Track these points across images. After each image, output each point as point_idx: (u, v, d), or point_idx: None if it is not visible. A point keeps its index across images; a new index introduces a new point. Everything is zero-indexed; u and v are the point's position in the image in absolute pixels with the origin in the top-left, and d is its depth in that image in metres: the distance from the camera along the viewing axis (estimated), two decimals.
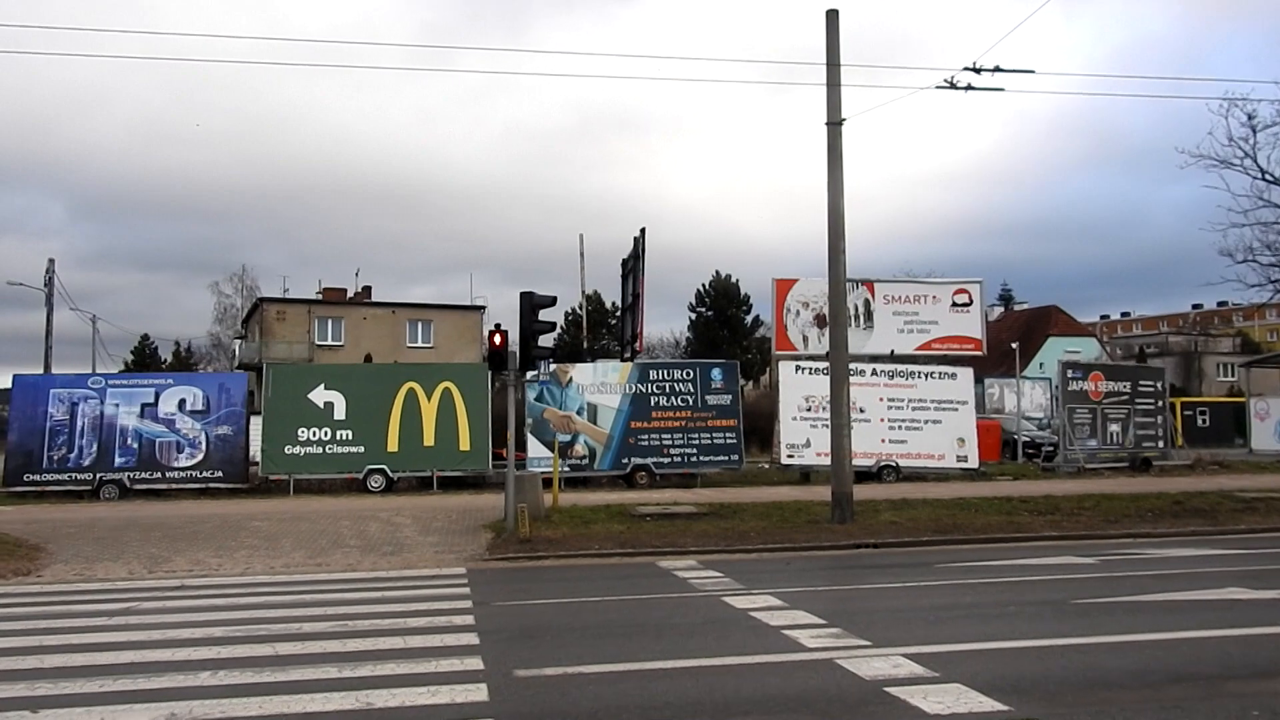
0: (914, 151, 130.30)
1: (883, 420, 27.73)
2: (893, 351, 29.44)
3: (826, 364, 20.58)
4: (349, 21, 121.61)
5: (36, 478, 24.64)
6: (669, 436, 26.65)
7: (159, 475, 25.10)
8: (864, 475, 24.90)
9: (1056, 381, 33.72)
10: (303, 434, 25.37)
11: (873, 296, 29.84)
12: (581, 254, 43.61)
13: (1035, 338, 63.23)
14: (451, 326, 52.85)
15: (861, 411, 25.80)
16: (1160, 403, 32.74)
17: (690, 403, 26.89)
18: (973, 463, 28.18)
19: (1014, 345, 44.32)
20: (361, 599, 10.94)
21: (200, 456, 25.35)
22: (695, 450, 26.75)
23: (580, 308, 48.86)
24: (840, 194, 17.49)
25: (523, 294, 16.55)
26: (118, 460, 24.96)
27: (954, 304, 30.12)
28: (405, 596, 11.06)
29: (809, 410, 27.17)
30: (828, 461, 18.41)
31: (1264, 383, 44.91)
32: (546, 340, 17.41)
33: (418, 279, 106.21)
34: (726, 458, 26.96)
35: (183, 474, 25.23)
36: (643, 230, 31.42)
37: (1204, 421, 46.32)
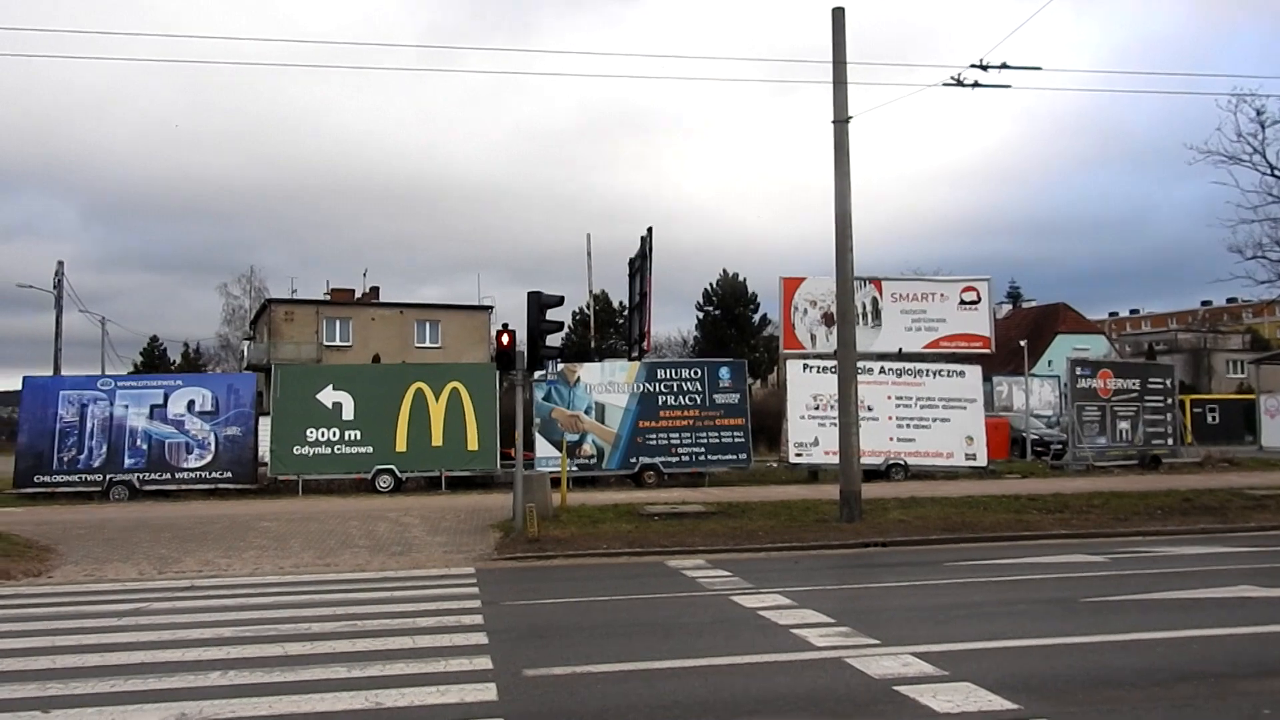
0: (921, 149, 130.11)
1: (891, 418, 27.69)
2: (900, 349, 29.38)
3: (834, 362, 20.54)
4: (356, 23, 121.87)
5: (46, 479, 24.74)
6: (677, 436, 26.64)
7: (168, 476, 25.18)
8: (872, 474, 24.86)
9: (1065, 379, 33.62)
10: (311, 434, 25.44)
11: (880, 294, 29.80)
12: (589, 254, 43.65)
13: (1044, 335, 63.04)
14: (459, 326, 52.93)
15: (869, 410, 25.76)
16: (1169, 400, 32.64)
17: (698, 402, 26.89)
18: (981, 461, 28.13)
19: (1022, 343, 44.15)
20: (370, 599, 10.96)
21: (209, 457, 25.42)
22: (703, 449, 26.74)
23: (588, 307, 48.85)
24: (847, 192, 17.47)
25: (530, 294, 16.57)
26: (127, 461, 25.04)
27: (962, 302, 30.06)
28: (414, 596, 11.08)
29: (817, 409, 27.15)
30: (836, 460, 18.39)
31: (1274, 379, 44.83)
32: (554, 340, 17.43)
33: (425, 279, 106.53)
34: (734, 457, 26.95)
35: (192, 475, 25.30)
36: (650, 230, 31.47)
37: (1213, 419, 46.17)
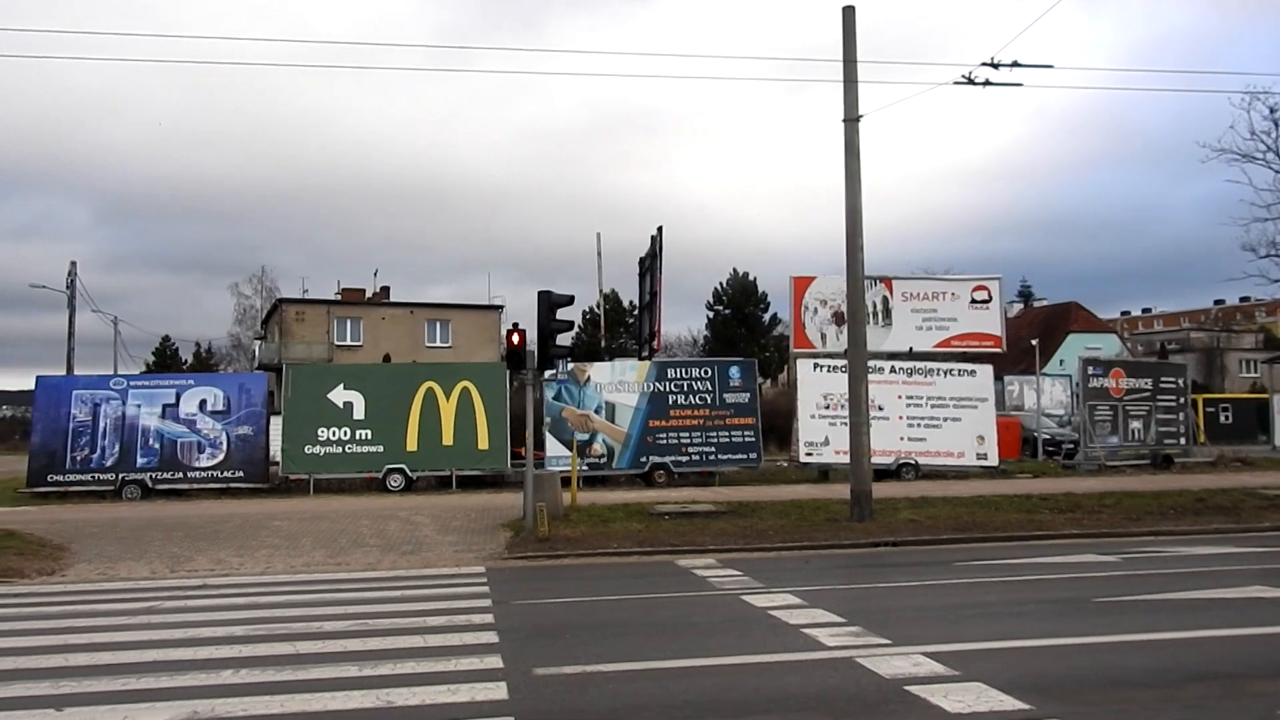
0: (932, 148, 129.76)
1: (901, 418, 27.62)
2: (911, 349, 29.32)
3: (845, 362, 20.53)
4: (367, 24, 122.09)
5: (60, 478, 24.85)
6: (687, 435, 26.63)
7: (180, 475, 25.27)
8: (883, 473, 24.80)
9: (1077, 378, 33.50)
10: (322, 434, 25.51)
11: (891, 294, 29.74)
12: (599, 253, 43.84)
13: (1055, 334, 62.81)
14: (470, 326, 53.00)
15: (880, 409, 25.69)
16: (1182, 399, 32.49)
17: (708, 401, 26.87)
18: (992, 460, 28.04)
19: (1034, 342, 44.02)
20: (381, 598, 10.99)
21: (221, 456, 25.50)
22: (713, 449, 26.72)
23: (598, 307, 48.92)
24: (858, 191, 17.44)
25: (540, 293, 16.58)
26: (140, 460, 25.14)
27: (973, 301, 29.98)
28: (425, 595, 11.10)
29: (827, 408, 27.11)
30: (846, 459, 18.36)
31: None
32: (564, 339, 17.43)
33: (436, 279, 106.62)
34: (745, 456, 26.92)
35: (204, 474, 25.39)
36: (660, 229, 31.47)
37: (1226, 418, 45.92)
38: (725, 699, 6.62)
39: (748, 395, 27.22)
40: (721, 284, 61.78)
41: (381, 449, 25.66)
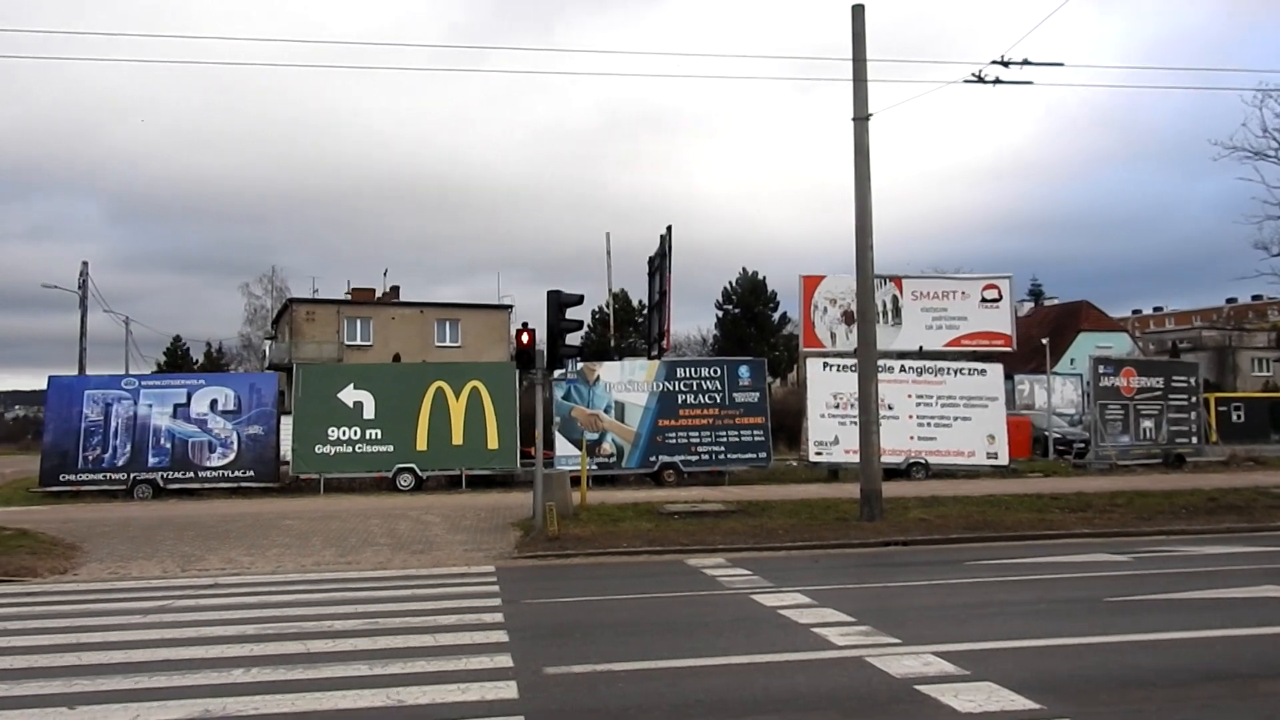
0: (942, 147, 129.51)
1: (911, 417, 27.57)
2: (921, 348, 29.25)
3: (854, 361, 20.47)
4: (380, 25, 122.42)
5: (72, 478, 24.97)
6: (696, 434, 26.62)
7: (191, 475, 25.36)
8: (893, 472, 24.76)
9: (1088, 377, 33.38)
10: (333, 433, 25.57)
11: (901, 293, 29.66)
12: (608, 252, 43.73)
13: (1066, 333, 62.61)
14: (479, 326, 53.06)
15: (890, 408, 25.64)
16: (1194, 398, 32.34)
17: (718, 400, 26.85)
18: (1003, 460, 27.97)
19: (1044, 341, 43.82)
20: (391, 597, 11.01)
21: (232, 456, 25.58)
22: (723, 448, 26.71)
23: (607, 306, 48.92)
24: (867, 190, 17.41)
25: (550, 292, 16.58)
26: (151, 460, 25.24)
27: (983, 300, 29.89)
28: (435, 594, 11.12)
29: (837, 407, 27.07)
30: (856, 459, 18.33)
31: None
32: (574, 339, 17.43)
33: (446, 279, 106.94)
34: (754, 455, 26.90)
35: (215, 473, 25.48)
36: (669, 228, 31.44)
37: (1239, 417, 45.68)
38: (735, 698, 6.62)
39: (757, 394, 27.20)
40: (731, 283, 61.74)
41: (391, 448, 25.71)
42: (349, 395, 25.86)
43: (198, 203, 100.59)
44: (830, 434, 27.19)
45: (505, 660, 7.65)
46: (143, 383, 26.66)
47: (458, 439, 25.87)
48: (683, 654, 7.91)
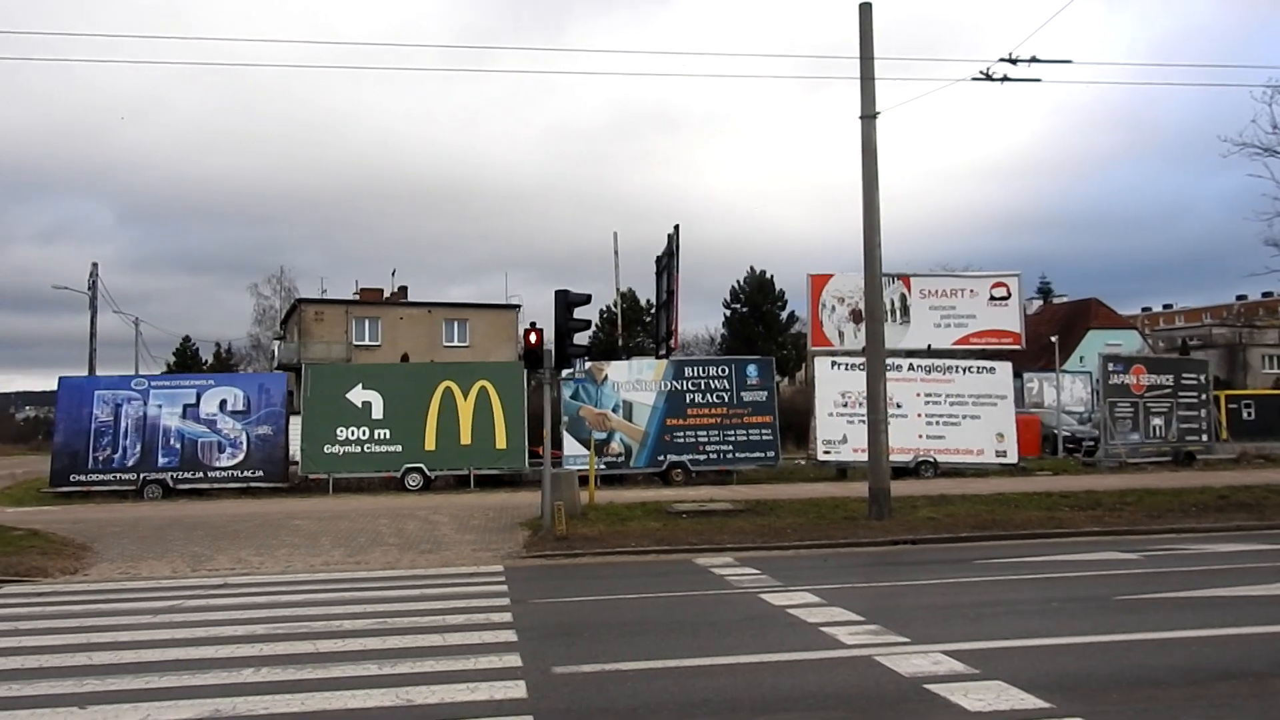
0: (951, 144, 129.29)
1: (920, 415, 27.53)
2: (930, 346, 29.21)
3: (862, 359, 20.46)
4: (391, 26, 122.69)
5: (82, 478, 25.06)
6: (705, 433, 26.61)
7: (201, 475, 25.43)
8: (901, 471, 24.73)
9: (1097, 375, 33.28)
10: (341, 433, 25.62)
11: (909, 291, 29.62)
12: (616, 252, 43.88)
13: (1075, 331, 62.39)
14: (487, 325, 53.08)
15: (899, 407, 25.60)
16: (1204, 396, 32.24)
17: (726, 399, 26.84)
18: (1012, 458, 27.91)
19: (1053, 339, 43.71)
20: (400, 596, 11.02)
21: (241, 456, 25.66)
22: (731, 447, 26.69)
23: (615, 305, 48.92)
24: (875, 188, 17.38)
25: (557, 292, 16.59)
26: (161, 460, 25.31)
27: (992, 297, 29.83)
28: (443, 594, 11.13)
29: (845, 406, 27.03)
30: (864, 457, 18.30)
31: None
32: (582, 338, 17.44)
33: (454, 279, 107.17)
34: (762, 454, 26.88)
35: (224, 474, 25.55)
36: (676, 227, 31.46)
37: (1249, 414, 45.47)
38: (744, 697, 6.61)
39: (765, 393, 27.17)
40: (739, 282, 61.72)
41: (400, 448, 25.76)
42: (357, 395, 25.92)
43: (207, 204, 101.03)
44: (838, 433, 27.16)
45: (514, 660, 7.65)
46: (152, 383, 26.74)
47: (466, 439, 25.90)
48: (691, 653, 7.90)
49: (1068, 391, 42.61)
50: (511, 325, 52.87)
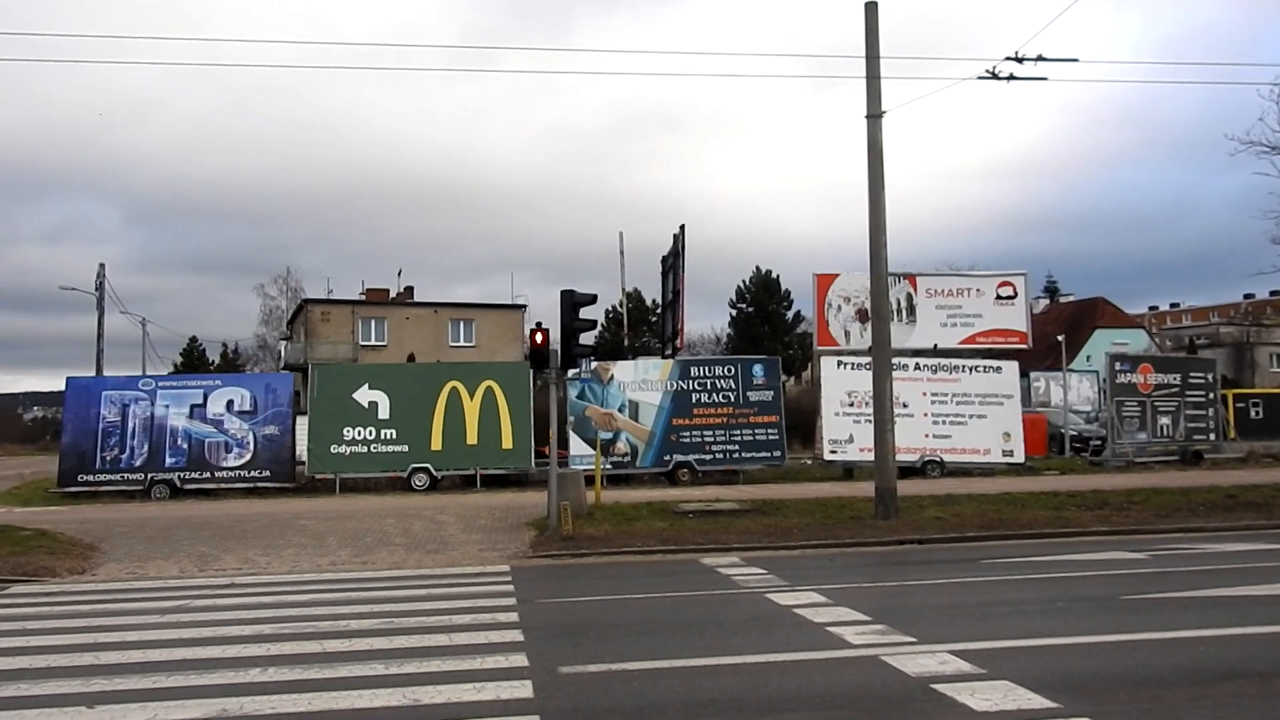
0: (957, 144, 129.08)
1: (926, 415, 27.49)
2: (936, 345, 29.16)
3: (869, 359, 20.42)
4: (394, 27, 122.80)
5: (89, 478, 25.13)
6: (711, 433, 26.60)
7: (208, 475, 25.49)
8: (907, 471, 24.70)
9: (1104, 374, 33.23)
10: (348, 433, 25.66)
11: (915, 290, 29.57)
12: (621, 251, 43.64)
13: (1082, 330, 62.26)
14: (493, 325, 53.11)
15: (905, 406, 25.58)
16: (1211, 395, 32.15)
17: (732, 399, 26.83)
18: (1019, 457, 27.86)
19: (1060, 338, 43.64)
20: (407, 596, 11.04)
21: (248, 456, 25.71)
22: (737, 447, 26.68)
23: (621, 305, 48.88)
24: (881, 188, 17.35)
25: (563, 292, 16.59)
26: (168, 460, 25.38)
27: (998, 297, 29.78)
28: (450, 594, 11.14)
29: (851, 405, 27.01)
30: (871, 457, 18.29)
31: None
32: (587, 338, 17.45)
33: (460, 279, 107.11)
34: (769, 454, 26.86)
35: (231, 474, 25.60)
36: (682, 227, 31.46)
37: (1257, 413, 45.31)
38: (750, 697, 6.61)
39: (771, 393, 27.16)
40: (744, 282, 61.69)
41: (406, 448, 25.79)
42: (364, 395, 25.96)
43: (213, 204, 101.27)
44: (845, 432, 27.14)
45: (520, 659, 7.66)
46: (159, 383, 26.81)
47: (472, 439, 25.92)
48: (697, 653, 7.90)
49: (1074, 391, 42.53)
50: (517, 325, 52.89)
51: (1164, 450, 30.56)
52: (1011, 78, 17.43)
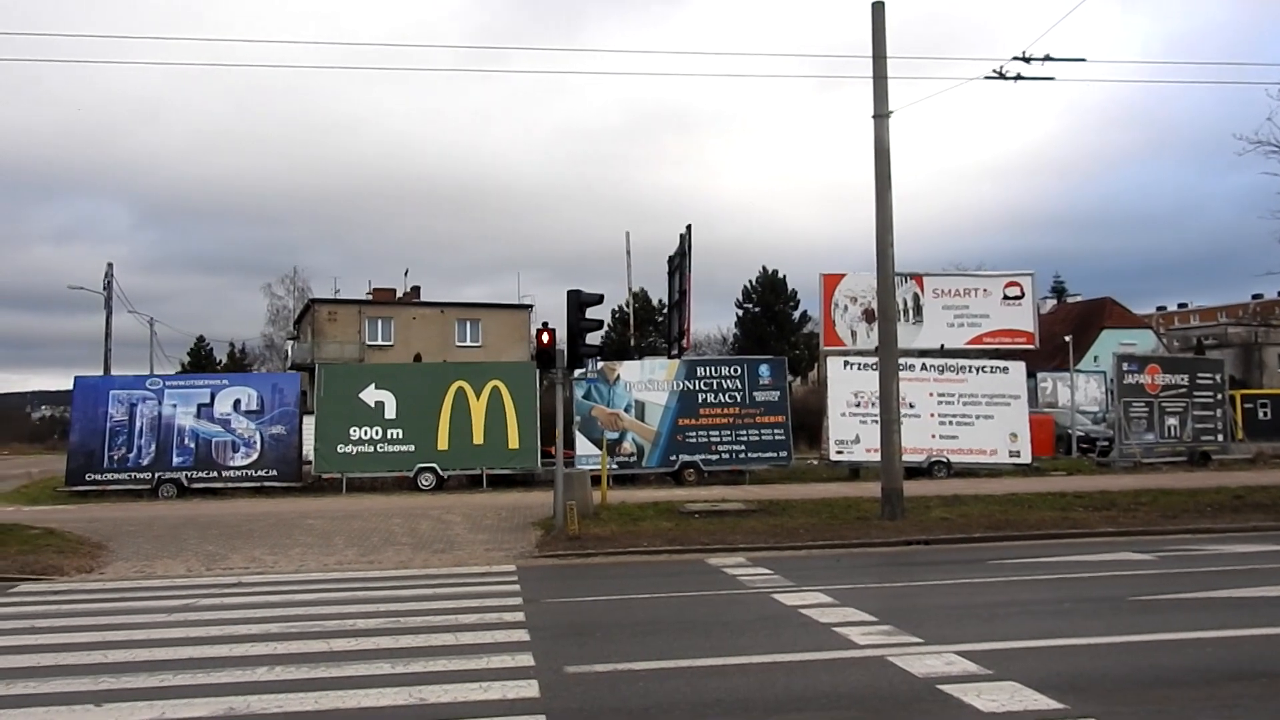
0: (964, 143, 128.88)
1: (933, 415, 27.45)
2: (943, 346, 29.12)
3: (875, 359, 20.41)
4: (404, 26, 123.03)
5: (97, 477, 25.20)
6: (717, 433, 26.59)
7: (215, 474, 25.54)
8: (914, 471, 24.67)
9: (1111, 375, 33.13)
10: (354, 433, 25.69)
11: (922, 290, 29.53)
12: (628, 251, 43.77)
13: (1089, 330, 62.11)
14: (500, 325, 53.16)
15: (911, 407, 25.55)
16: (1219, 395, 32.07)
17: (738, 399, 26.82)
18: (1025, 458, 27.81)
19: (1067, 338, 43.52)
20: (413, 595, 11.05)
21: (255, 456, 25.75)
22: (743, 447, 26.66)
23: (627, 305, 48.95)
24: (888, 188, 17.34)
25: (570, 292, 16.60)
26: (175, 460, 25.43)
27: (1005, 297, 29.72)
28: (456, 593, 11.15)
29: (858, 406, 26.98)
30: (877, 457, 18.28)
31: None
32: (594, 338, 17.46)
33: (467, 279, 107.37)
34: (775, 454, 26.84)
35: (238, 473, 25.65)
36: (689, 227, 31.40)
37: (1265, 414, 45.19)
38: (756, 698, 6.61)
39: (778, 393, 27.14)
40: (751, 282, 61.67)
41: (413, 448, 25.82)
42: (370, 395, 25.99)
43: (221, 204, 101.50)
44: (851, 433, 27.11)
45: (526, 659, 7.66)
46: (167, 383, 26.88)
47: (479, 438, 25.94)
48: (703, 653, 7.90)
49: (1082, 391, 42.45)
50: (524, 325, 52.95)
51: (1171, 451, 30.48)
52: (1019, 78, 17.39)
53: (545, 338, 16.87)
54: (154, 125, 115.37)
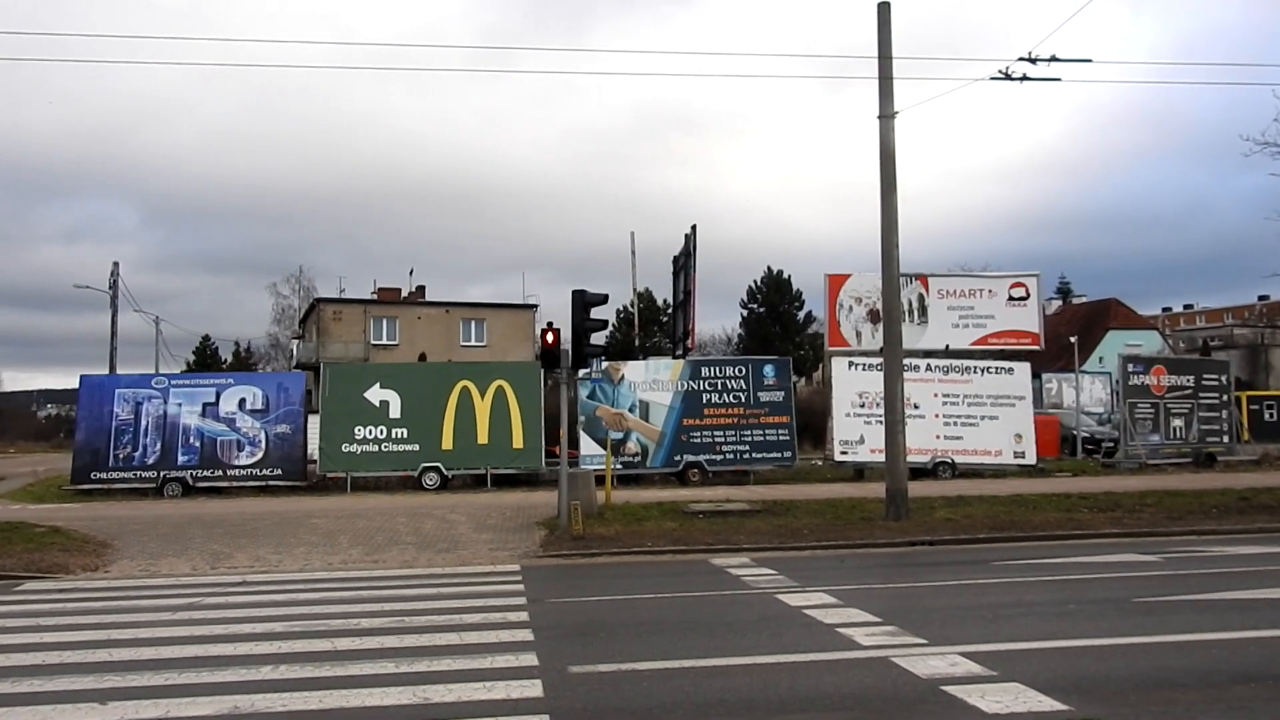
0: (969, 144, 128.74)
1: (938, 416, 27.41)
2: (948, 346, 29.07)
3: (880, 360, 20.39)
4: (412, 27, 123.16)
5: (103, 476, 25.24)
6: (721, 434, 26.58)
7: (220, 473, 25.58)
8: (919, 472, 24.62)
9: (1117, 376, 33.08)
10: (359, 432, 25.71)
11: (927, 291, 29.50)
12: (633, 251, 43.71)
13: (1095, 331, 61.99)
14: (505, 325, 53.18)
15: (916, 408, 25.50)
16: (1225, 396, 31.98)
17: (742, 400, 26.80)
18: (1030, 459, 27.76)
19: (1073, 339, 43.43)
20: (418, 595, 11.06)
21: (260, 455, 25.79)
22: (748, 447, 26.65)
23: (632, 305, 48.89)
24: (893, 188, 17.33)
25: (574, 292, 16.61)
26: (180, 458, 25.47)
27: (1010, 298, 29.67)
28: (461, 593, 11.17)
29: (862, 406, 26.95)
30: (882, 458, 18.25)
31: None
32: (598, 338, 17.46)
33: (472, 279, 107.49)
34: (779, 455, 26.82)
35: (243, 472, 25.68)
36: (693, 227, 31.44)
37: (1271, 415, 45.08)
38: (760, 698, 6.61)
39: (782, 394, 27.12)
40: (756, 282, 61.62)
41: (417, 447, 25.84)
42: (375, 394, 26.01)
43: (228, 204, 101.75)
44: (856, 433, 27.08)
45: (530, 659, 7.67)
46: (172, 382, 26.93)
47: (483, 438, 25.95)
48: (707, 653, 7.90)
49: (1087, 392, 42.35)
50: (529, 325, 52.96)
51: (1177, 452, 30.41)
52: (1025, 78, 17.38)
53: (550, 338, 16.88)
54: (162, 125, 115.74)
